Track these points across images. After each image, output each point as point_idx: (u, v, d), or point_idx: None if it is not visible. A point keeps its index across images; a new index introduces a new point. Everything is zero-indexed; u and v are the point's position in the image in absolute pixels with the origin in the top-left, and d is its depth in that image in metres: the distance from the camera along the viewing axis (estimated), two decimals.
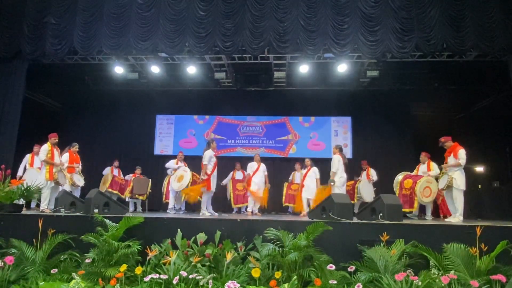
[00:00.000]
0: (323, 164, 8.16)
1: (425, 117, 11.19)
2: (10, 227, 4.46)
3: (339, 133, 10.55)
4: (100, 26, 7.47)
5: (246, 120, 10.81)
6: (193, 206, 8.85)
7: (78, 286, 3.48)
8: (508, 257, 3.70)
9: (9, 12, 7.79)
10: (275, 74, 9.19)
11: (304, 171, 7.60)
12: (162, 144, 10.77)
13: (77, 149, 7.07)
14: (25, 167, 7.20)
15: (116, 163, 8.59)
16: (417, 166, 7.11)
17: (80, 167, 7.17)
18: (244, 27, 7.24)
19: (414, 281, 3.32)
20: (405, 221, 4.97)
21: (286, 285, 3.45)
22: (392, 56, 7.49)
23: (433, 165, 6.78)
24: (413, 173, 7.01)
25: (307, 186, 7.32)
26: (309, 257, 3.86)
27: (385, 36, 7.06)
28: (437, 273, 3.57)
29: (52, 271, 3.81)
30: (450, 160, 5.98)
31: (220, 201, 8.70)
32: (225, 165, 9.25)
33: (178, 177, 7.29)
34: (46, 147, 6.17)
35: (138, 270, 3.65)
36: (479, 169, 10.05)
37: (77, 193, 6.97)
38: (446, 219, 6.10)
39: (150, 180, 8.26)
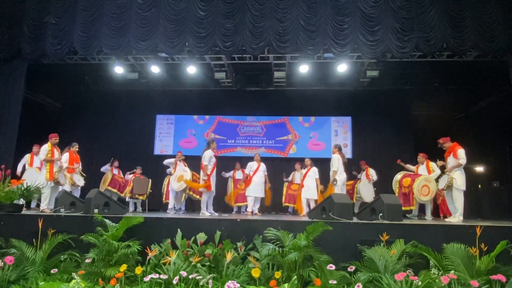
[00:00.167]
0: (323, 164, 8.16)
1: (425, 117, 11.18)
2: (10, 227, 4.46)
3: (339, 133, 10.55)
4: (100, 26, 7.47)
5: (246, 120, 10.81)
6: (193, 206, 8.86)
7: (78, 286, 3.48)
8: (508, 257, 3.70)
9: (9, 12, 7.79)
10: (275, 74, 9.19)
11: (303, 171, 7.60)
12: (162, 144, 10.77)
13: (77, 149, 7.07)
14: (24, 166, 7.20)
15: (116, 163, 8.59)
16: (416, 167, 7.11)
17: (80, 167, 7.18)
18: (244, 27, 7.24)
19: (414, 281, 3.32)
20: (405, 221, 4.97)
21: (286, 285, 3.45)
22: (392, 56, 7.50)
23: (433, 165, 6.78)
24: (411, 172, 7.02)
25: (307, 186, 7.32)
26: (309, 257, 3.86)
27: (385, 36, 7.06)
28: (437, 273, 3.57)
29: (52, 271, 3.80)
30: (450, 160, 5.98)
31: (220, 201, 8.70)
32: (225, 165, 9.25)
33: (178, 177, 7.29)
34: (46, 147, 6.17)
35: (138, 270, 3.65)
36: (479, 169, 10.04)
37: (77, 193, 6.98)
38: (446, 219, 6.10)
39: (150, 180, 8.26)
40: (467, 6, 7.01)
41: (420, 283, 3.32)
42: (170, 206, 7.53)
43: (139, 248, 3.99)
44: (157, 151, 10.72)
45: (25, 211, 5.59)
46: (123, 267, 3.65)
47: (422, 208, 7.06)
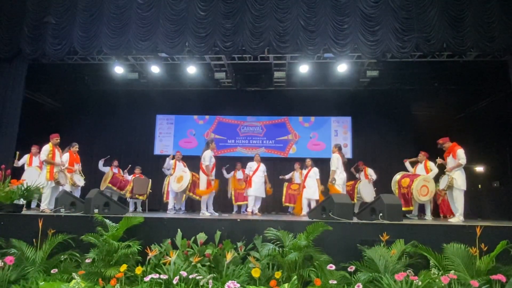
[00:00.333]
0: (323, 164, 8.17)
1: (425, 117, 11.18)
2: (10, 227, 4.46)
3: (339, 133, 10.55)
4: (100, 26, 7.47)
5: (246, 120, 10.82)
6: (193, 206, 8.86)
7: (78, 286, 3.48)
8: (508, 257, 3.70)
9: (9, 12, 7.79)
10: (275, 74, 9.19)
11: (304, 171, 7.60)
12: (162, 144, 10.78)
13: (77, 149, 7.07)
14: (23, 167, 7.19)
15: (115, 163, 8.59)
16: (415, 166, 7.12)
17: (80, 167, 7.18)
18: (244, 27, 7.24)
19: (414, 281, 3.32)
20: (405, 221, 4.97)
21: (286, 285, 3.45)
22: (392, 56, 7.50)
23: (431, 165, 6.79)
24: (410, 173, 7.03)
25: (308, 186, 7.32)
26: (309, 257, 3.86)
27: (385, 36, 7.06)
28: (437, 273, 3.57)
29: (52, 271, 3.80)
30: (450, 160, 5.98)
31: (220, 201, 8.70)
32: (225, 165, 9.25)
33: (178, 177, 7.29)
34: (47, 147, 6.17)
35: (138, 270, 3.65)
36: (479, 169, 10.04)
37: (77, 193, 6.98)
38: (448, 219, 6.10)
39: (150, 180, 8.26)
40: (467, 6, 7.01)
41: (420, 283, 3.32)
42: (170, 206, 7.53)
43: (139, 248, 3.99)
44: (157, 151, 10.73)
45: (25, 211, 5.59)
46: (123, 267, 3.65)
47: (422, 208, 7.07)
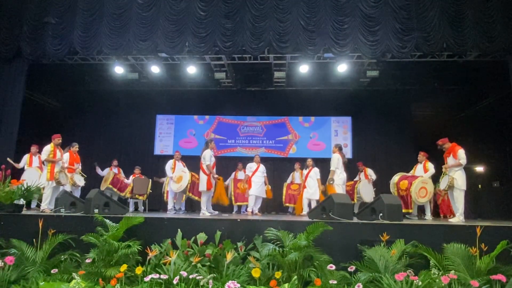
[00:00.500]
0: (323, 164, 8.16)
1: (425, 117, 11.20)
2: (10, 227, 4.45)
3: (339, 133, 10.55)
4: (100, 26, 7.47)
5: (246, 120, 10.82)
6: (193, 206, 8.86)
7: (79, 286, 3.48)
8: (508, 257, 3.70)
9: (9, 12, 7.79)
10: (275, 74, 9.20)
11: (305, 171, 7.60)
12: (162, 144, 10.78)
13: (77, 149, 7.07)
14: (23, 167, 7.19)
15: (115, 163, 8.59)
16: (414, 167, 7.12)
17: (80, 167, 7.17)
18: (244, 27, 7.24)
19: (414, 281, 3.32)
20: (405, 221, 4.97)
21: (286, 285, 3.44)
22: (392, 56, 7.50)
23: (429, 165, 6.80)
24: (409, 173, 7.03)
25: (309, 186, 7.31)
26: (309, 257, 3.86)
27: (385, 36, 7.06)
28: (437, 273, 3.57)
29: (52, 271, 3.80)
30: (450, 160, 5.98)
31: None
32: (226, 165, 9.26)
33: (177, 177, 7.29)
34: (49, 147, 6.18)
35: (138, 270, 3.65)
36: (479, 169, 10.05)
37: (77, 193, 6.98)
38: (449, 219, 6.11)
39: (150, 180, 8.26)
40: (467, 6, 7.01)
41: (420, 283, 3.32)
42: (169, 207, 7.53)
43: (139, 248, 3.99)
44: (157, 151, 10.73)
45: (25, 211, 5.59)
46: (123, 267, 3.65)
47: (422, 208, 7.07)
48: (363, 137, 10.47)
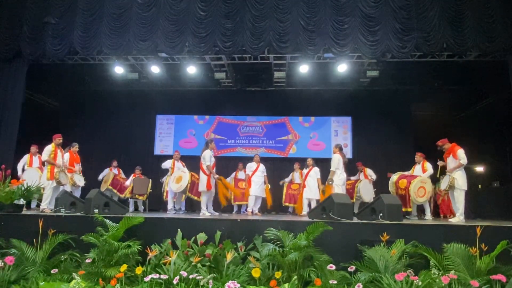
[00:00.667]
0: (324, 164, 8.16)
1: (425, 117, 11.19)
2: (10, 227, 4.45)
3: (339, 133, 10.55)
4: (100, 26, 7.47)
5: (246, 120, 10.82)
6: (193, 206, 8.86)
7: (79, 286, 3.48)
8: (508, 257, 3.70)
9: (9, 12, 7.79)
10: (275, 74, 9.20)
11: (305, 171, 7.60)
12: (162, 144, 10.78)
13: (77, 149, 7.07)
14: (23, 167, 7.19)
15: (115, 163, 8.58)
16: (413, 167, 7.12)
17: (80, 167, 7.17)
18: (244, 27, 7.24)
19: (414, 281, 3.32)
20: (405, 221, 4.97)
21: (286, 285, 3.45)
22: (392, 56, 7.49)
23: (428, 166, 6.80)
24: (407, 173, 7.02)
25: (309, 186, 7.31)
26: (309, 257, 3.86)
27: (385, 36, 7.06)
28: (437, 273, 3.58)
29: (52, 271, 3.80)
30: (450, 161, 5.99)
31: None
32: (226, 165, 9.26)
33: (177, 178, 7.28)
34: (50, 147, 6.18)
35: (139, 270, 3.65)
36: (479, 169, 10.05)
37: (77, 193, 6.98)
38: (449, 219, 6.11)
39: (150, 180, 8.26)
40: (467, 6, 7.01)
41: (420, 283, 3.32)
42: (169, 206, 7.53)
43: (139, 248, 3.99)
44: (157, 151, 10.73)
45: (25, 211, 5.59)
46: (124, 267, 3.65)
47: (421, 208, 7.07)
48: (363, 137, 10.47)
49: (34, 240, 4.12)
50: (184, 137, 10.78)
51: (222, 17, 7.30)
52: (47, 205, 5.99)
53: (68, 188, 6.53)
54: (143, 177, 8.30)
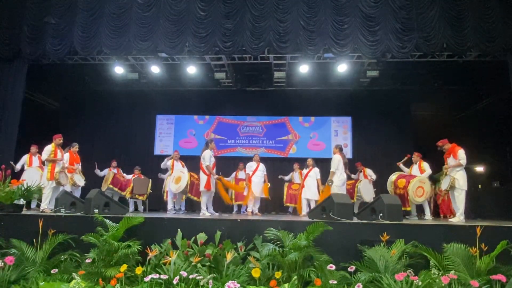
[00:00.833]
0: (323, 164, 8.16)
1: (425, 117, 11.20)
2: (10, 227, 4.46)
3: (339, 133, 10.55)
4: (100, 26, 7.47)
5: (246, 120, 10.82)
6: (193, 206, 8.86)
7: (79, 286, 3.49)
8: (508, 257, 3.70)
9: (9, 12, 7.79)
10: (275, 74, 9.19)
11: (305, 171, 7.60)
12: (162, 144, 10.78)
13: (77, 149, 7.07)
14: (22, 167, 7.19)
15: (114, 163, 8.58)
16: (410, 167, 7.13)
17: (80, 167, 7.17)
18: (244, 27, 7.24)
19: (414, 281, 3.32)
20: (405, 221, 4.97)
21: (286, 285, 3.45)
22: (392, 56, 7.49)
23: (425, 165, 6.81)
24: (405, 173, 7.03)
25: (308, 186, 7.31)
26: (309, 257, 3.86)
27: (385, 36, 7.06)
28: (437, 273, 3.58)
29: (52, 271, 3.81)
30: (450, 161, 6.00)
31: (220, 201, 8.69)
32: (226, 165, 9.24)
33: (176, 178, 7.28)
34: (50, 147, 6.18)
35: (138, 270, 3.65)
36: (479, 169, 10.05)
37: (77, 193, 6.98)
38: (449, 219, 6.12)
39: (150, 180, 8.25)
40: (467, 6, 7.01)
41: (420, 283, 3.32)
42: (169, 207, 7.53)
43: (139, 248, 3.99)
44: (157, 151, 10.73)
45: (25, 211, 5.60)
46: (123, 267, 3.65)
47: (421, 208, 7.07)
48: (363, 137, 10.47)
49: (34, 240, 4.12)
50: (184, 137, 10.78)
51: (222, 17, 7.30)
52: (47, 205, 5.99)
53: (68, 188, 6.53)
54: (143, 177, 8.31)
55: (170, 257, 3.86)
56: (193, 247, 4.14)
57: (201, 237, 4.25)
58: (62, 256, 4.07)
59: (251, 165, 7.65)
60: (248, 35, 7.22)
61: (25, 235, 4.21)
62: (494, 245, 3.65)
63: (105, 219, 4.23)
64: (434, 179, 7.14)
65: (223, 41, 7.27)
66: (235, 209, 8.53)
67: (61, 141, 6.33)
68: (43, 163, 6.41)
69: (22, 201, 5.22)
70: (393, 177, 6.96)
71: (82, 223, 4.50)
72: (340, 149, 6.85)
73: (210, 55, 8.16)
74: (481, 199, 8.80)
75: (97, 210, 4.95)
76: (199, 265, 3.82)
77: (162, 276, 3.56)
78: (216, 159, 7.13)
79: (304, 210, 7.21)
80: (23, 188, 4.99)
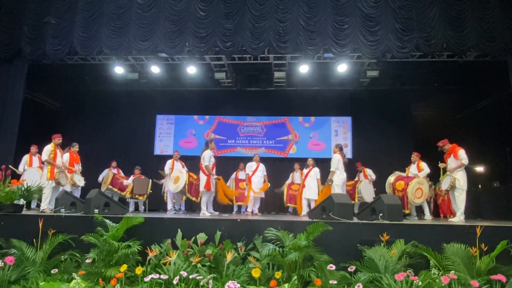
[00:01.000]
0: (324, 164, 8.17)
1: (425, 117, 11.20)
2: (10, 227, 4.45)
3: (339, 133, 10.56)
4: (100, 26, 7.47)
5: (246, 120, 10.82)
6: (193, 206, 8.86)
7: (79, 286, 3.48)
8: (508, 257, 3.70)
9: (9, 12, 7.79)
10: (275, 74, 9.20)
11: (305, 171, 7.60)
12: (162, 144, 10.78)
13: (77, 149, 7.07)
14: (23, 168, 7.19)
15: (114, 164, 8.58)
16: (408, 166, 7.13)
17: (80, 167, 7.17)
18: (244, 27, 7.24)
19: (414, 281, 3.32)
20: (405, 221, 4.97)
21: (286, 285, 3.44)
22: (392, 56, 7.49)
23: (423, 165, 6.81)
24: (404, 174, 7.03)
25: (308, 186, 7.31)
26: (309, 257, 3.86)
27: (385, 36, 7.06)
28: (437, 273, 3.57)
29: (52, 271, 3.80)
30: (450, 161, 6.00)
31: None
32: (226, 165, 9.25)
33: (174, 178, 7.28)
34: (49, 147, 6.17)
35: (139, 270, 3.65)
36: (479, 169, 10.04)
37: (77, 193, 6.98)
38: (450, 219, 6.12)
39: (151, 180, 8.26)
40: (467, 6, 7.02)
41: (420, 283, 3.32)
42: (169, 207, 7.53)
43: (139, 248, 3.99)
44: (157, 151, 10.73)
45: (25, 211, 5.59)
46: (124, 267, 3.65)
47: (420, 208, 7.07)
48: (363, 137, 10.48)
49: (34, 240, 4.12)
50: (184, 137, 10.78)
51: (222, 17, 7.31)
52: (46, 205, 5.98)
53: (68, 188, 6.53)
54: (143, 177, 8.31)
55: (170, 257, 3.85)
56: (193, 247, 4.14)
57: (201, 237, 4.25)
58: (62, 256, 4.06)
59: (251, 165, 7.65)
60: (248, 35, 7.22)
61: (25, 235, 4.21)
62: (494, 245, 3.65)
63: (105, 219, 4.23)
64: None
65: (223, 41, 7.27)
66: (235, 209, 8.53)
67: (60, 141, 6.33)
68: (43, 163, 6.40)
69: (22, 201, 5.22)
70: (391, 178, 6.96)
71: (82, 223, 4.49)
72: (340, 149, 6.85)
73: (210, 55, 8.16)
74: (481, 199, 8.79)
75: (97, 210, 4.94)
76: (199, 265, 3.82)
77: (162, 276, 3.56)
78: (216, 159, 7.13)
79: (305, 210, 7.21)
80: (23, 188, 4.99)
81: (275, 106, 10.65)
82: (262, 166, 7.66)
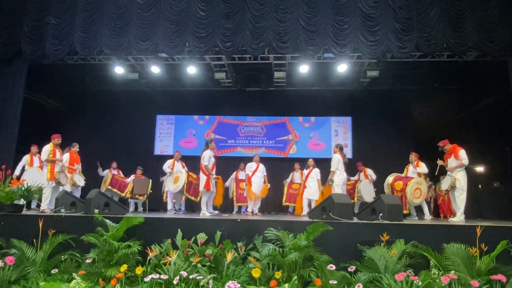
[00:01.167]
0: (324, 164, 8.17)
1: (425, 117, 11.18)
2: (10, 228, 4.45)
3: (339, 133, 10.56)
4: (100, 26, 7.47)
5: (246, 120, 10.82)
6: (193, 206, 8.86)
7: (79, 286, 3.48)
8: (508, 257, 3.70)
9: (9, 12, 7.79)
10: (275, 74, 9.20)
11: (306, 171, 7.60)
12: (162, 144, 10.78)
13: (77, 149, 7.07)
14: (23, 167, 7.18)
15: (114, 165, 8.57)
16: (406, 167, 7.12)
17: (80, 167, 7.17)
18: (244, 27, 7.24)
19: (414, 281, 3.32)
20: (405, 221, 4.97)
21: (286, 285, 3.44)
22: (392, 56, 7.50)
23: (422, 165, 6.81)
24: (402, 174, 7.02)
25: (309, 186, 7.31)
26: (309, 257, 3.86)
27: (385, 36, 7.06)
28: (437, 273, 3.58)
29: (52, 271, 3.80)
30: (451, 161, 6.00)
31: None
32: (226, 165, 9.25)
33: (174, 178, 7.29)
34: (48, 147, 6.17)
35: (139, 270, 3.65)
36: (479, 169, 10.04)
37: (77, 193, 6.97)
38: (450, 219, 6.12)
39: (151, 180, 8.26)
40: (467, 6, 7.02)
41: (420, 283, 3.32)
42: (169, 207, 7.54)
43: (139, 248, 3.99)
44: (157, 151, 10.73)
45: (25, 211, 5.59)
46: (124, 267, 3.65)
47: (420, 208, 7.07)
48: (363, 137, 10.48)
49: (34, 240, 4.12)
50: (184, 137, 10.78)
51: (222, 17, 7.30)
52: (47, 206, 5.98)
53: (68, 188, 6.53)
54: (143, 177, 8.31)
55: (170, 257, 3.85)
56: (193, 247, 4.14)
57: (201, 237, 4.25)
58: (62, 256, 4.06)
59: (251, 166, 7.65)
60: (248, 35, 7.22)
61: (25, 235, 4.21)
62: (494, 245, 3.65)
63: (105, 219, 4.23)
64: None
65: (223, 41, 7.27)
66: (235, 209, 8.53)
67: (60, 141, 6.32)
68: (43, 163, 6.40)
69: (22, 201, 5.21)
70: (389, 179, 6.95)
71: (82, 223, 4.49)
72: (340, 149, 6.86)
73: (210, 55, 8.17)
74: (481, 199, 8.79)
75: (97, 210, 4.94)
76: (199, 265, 3.82)
77: (162, 276, 3.56)
78: (216, 159, 7.13)
79: (305, 209, 7.22)
80: (23, 188, 4.99)
81: (275, 106, 10.65)
82: (262, 167, 7.66)
